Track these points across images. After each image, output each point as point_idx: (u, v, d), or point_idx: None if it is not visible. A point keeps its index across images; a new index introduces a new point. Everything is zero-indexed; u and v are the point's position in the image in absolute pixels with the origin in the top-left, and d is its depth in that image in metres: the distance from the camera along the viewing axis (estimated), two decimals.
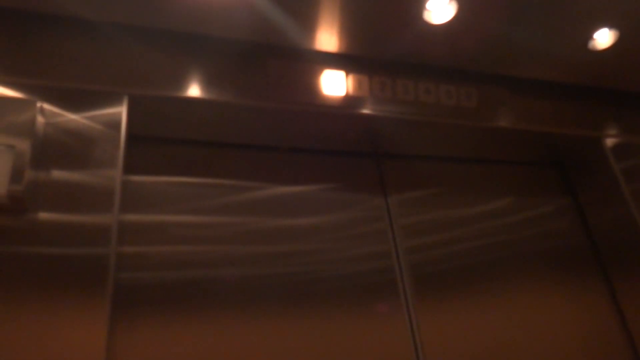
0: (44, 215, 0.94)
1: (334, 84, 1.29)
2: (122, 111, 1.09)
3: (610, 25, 1.36)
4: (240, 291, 1.19)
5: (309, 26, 1.24)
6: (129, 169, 1.22)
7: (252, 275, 1.22)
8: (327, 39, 1.29)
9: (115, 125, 1.08)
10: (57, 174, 0.99)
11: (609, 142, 1.60)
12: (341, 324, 1.23)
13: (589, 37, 1.40)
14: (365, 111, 1.30)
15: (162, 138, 1.29)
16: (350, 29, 1.26)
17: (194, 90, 1.18)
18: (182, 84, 1.17)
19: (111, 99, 1.10)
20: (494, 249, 1.51)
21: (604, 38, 1.40)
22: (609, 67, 1.52)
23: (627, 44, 1.42)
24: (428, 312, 1.33)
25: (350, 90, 1.30)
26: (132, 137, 1.21)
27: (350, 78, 1.31)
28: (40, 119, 1.00)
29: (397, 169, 1.52)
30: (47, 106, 1.04)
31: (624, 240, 1.54)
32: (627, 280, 1.54)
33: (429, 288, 1.36)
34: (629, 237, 1.52)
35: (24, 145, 0.93)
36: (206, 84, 1.19)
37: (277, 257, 1.26)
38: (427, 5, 1.21)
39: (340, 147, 1.47)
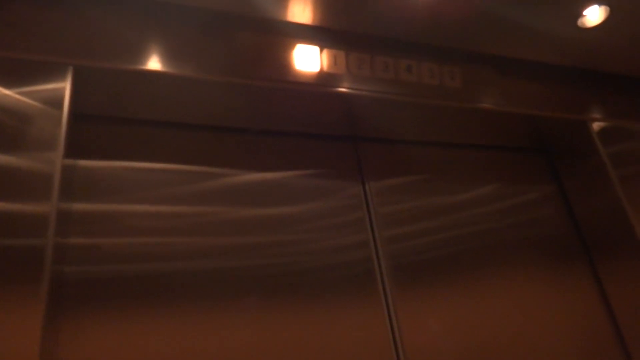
0: None
1: (307, 59, 1.17)
2: (65, 85, 0.96)
3: (601, 2, 1.28)
4: (204, 286, 1.08)
5: None
6: (77, 152, 1.09)
7: (217, 269, 1.11)
8: (300, 10, 1.18)
9: (57, 101, 0.94)
10: None
11: (596, 126, 1.53)
12: (316, 317, 1.14)
13: (579, 13, 1.31)
14: (341, 89, 1.20)
15: (116, 118, 1.16)
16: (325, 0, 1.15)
17: (151, 63, 1.05)
18: (138, 55, 1.04)
19: (53, 71, 0.96)
20: (477, 238, 1.43)
21: (594, 15, 1.32)
22: (598, 47, 1.45)
23: (617, 22, 1.34)
24: (408, 304, 1.24)
25: (325, 66, 1.19)
26: (80, 116, 1.08)
27: (325, 53, 1.20)
28: None
29: (376, 154, 1.42)
30: None
31: (611, 228, 1.48)
32: (613, 269, 1.48)
33: (410, 279, 1.27)
34: (616, 225, 1.46)
35: None
36: (165, 56, 1.07)
37: (245, 249, 1.16)
38: None
39: (315, 130, 1.36)
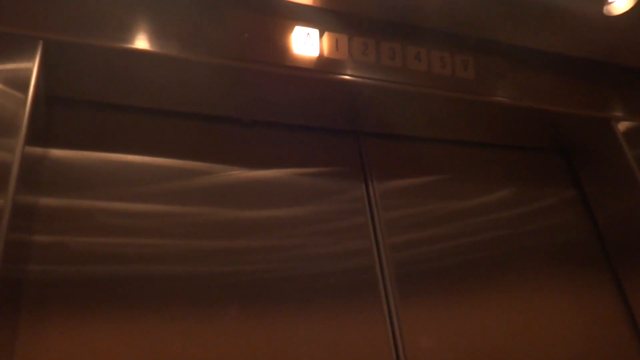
0: None
1: (306, 42, 1.06)
2: (32, 63, 0.85)
3: None
4: (185, 292, 0.97)
5: None
6: (47, 140, 0.98)
7: (200, 274, 1.00)
8: None
9: (23, 81, 0.84)
10: None
11: (621, 125, 1.41)
12: (312, 328, 1.03)
13: (605, 0, 1.20)
14: (343, 76, 1.08)
15: (94, 102, 1.05)
16: None
17: (134, 41, 0.94)
18: (119, 31, 0.94)
19: (20, 46, 0.86)
20: (491, 245, 1.30)
21: (621, 1, 1.21)
22: (626, 38, 1.32)
23: None
24: (413, 316, 1.12)
25: (326, 51, 1.08)
26: (52, 99, 0.98)
27: (326, 37, 1.09)
28: None
29: (381, 151, 1.30)
30: None
31: (636, 235, 1.35)
32: (638, 278, 1.35)
33: (416, 289, 1.15)
34: None
35: None
36: (149, 34, 0.96)
37: (231, 254, 1.04)
38: None
39: (313, 122, 1.24)
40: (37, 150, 0.94)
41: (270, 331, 1.00)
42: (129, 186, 1.02)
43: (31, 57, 0.86)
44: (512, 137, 1.47)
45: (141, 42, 0.95)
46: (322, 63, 1.08)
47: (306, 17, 1.08)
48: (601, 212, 1.46)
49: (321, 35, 1.09)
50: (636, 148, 1.38)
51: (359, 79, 1.10)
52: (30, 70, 0.85)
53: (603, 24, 1.27)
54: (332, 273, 1.11)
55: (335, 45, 1.09)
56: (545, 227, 1.40)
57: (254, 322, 0.99)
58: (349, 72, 1.10)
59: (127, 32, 0.94)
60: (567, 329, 1.26)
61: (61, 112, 1.01)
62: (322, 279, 1.09)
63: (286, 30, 1.06)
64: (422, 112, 1.26)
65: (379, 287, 1.13)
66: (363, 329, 1.07)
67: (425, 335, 1.10)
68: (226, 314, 0.98)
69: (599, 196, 1.47)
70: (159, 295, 0.95)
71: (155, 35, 0.97)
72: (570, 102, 1.38)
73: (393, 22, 1.17)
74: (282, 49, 1.05)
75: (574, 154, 1.55)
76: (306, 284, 1.07)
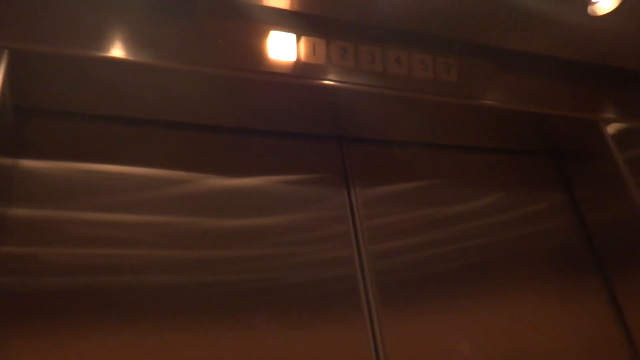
0: None
1: (282, 47, 1.05)
2: None
3: None
4: (163, 303, 0.95)
5: None
6: (18, 150, 0.96)
7: (180, 284, 0.98)
8: None
9: None
10: None
11: (611, 127, 1.38)
12: (292, 339, 1.00)
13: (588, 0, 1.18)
14: (320, 81, 1.06)
15: (67, 112, 1.03)
16: None
17: (105, 49, 0.92)
18: (90, 39, 0.92)
19: None
20: (477, 252, 1.27)
21: (605, 1, 1.18)
22: (612, 38, 1.30)
23: (633, 8, 1.20)
24: (395, 326, 1.09)
25: (303, 56, 1.06)
26: (22, 109, 0.96)
27: (303, 41, 1.07)
28: None
29: (363, 157, 1.28)
30: None
31: (627, 239, 1.32)
32: (629, 283, 1.32)
33: (398, 299, 1.12)
34: (632, 236, 1.30)
35: None
36: (121, 41, 0.94)
37: (211, 264, 1.02)
38: None
39: (294, 128, 1.22)
40: (7, 160, 0.92)
41: (251, 341, 0.97)
42: (103, 196, 1.00)
43: None
44: (499, 140, 1.45)
45: (113, 50, 0.93)
46: (299, 68, 1.06)
47: (282, 21, 1.07)
48: (592, 215, 1.43)
49: (298, 39, 1.07)
50: (626, 150, 1.35)
51: (338, 84, 1.09)
52: None
53: (588, 25, 1.24)
54: (314, 282, 1.08)
55: (313, 50, 1.07)
56: (533, 232, 1.38)
57: (234, 332, 0.97)
58: (327, 76, 1.08)
59: (99, 40, 0.93)
60: (557, 335, 1.23)
61: (32, 122, 1.00)
62: (303, 288, 1.07)
63: (261, 35, 1.05)
64: (405, 116, 1.24)
65: (361, 296, 1.10)
66: (345, 338, 1.04)
67: (408, 344, 1.07)
68: (211, 324, 0.96)
69: (589, 199, 1.44)
70: (135, 306, 0.93)
71: (128, 42, 0.95)
72: (558, 104, 1.36)
73: (372, 26, 1.15)
74: (257, 55, 1.03)
75: (564, 157, 1.52)
76: (287, 293, 1.05)
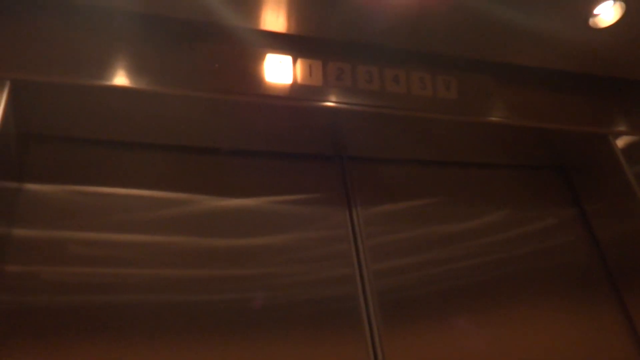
0: None
1: (278, 70, 1.06)
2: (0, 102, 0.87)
3: None
4: (162, 321, 0.96)
5: (248, 0, 1.01)
6: (22, 175, 0.99)
7: (179, 303, 0.99)
8: (273, 18, 1.06)
9: None
10: None
11: (620, 141, 1.35)
12: (293, 359, 0.99)
13: (590, 12, 1.16)
14: (318, 103, 1.07)
15: (68, 138, 1.05)
16: (299, 4, 1.03)
17: (106, 77, 0.95)
18: (87, 68, 0.94)
19: None
20: (484, 271, 1.25)
21: (607, 13, 1.17)
22: (615, 50, 1.28)
23: (635, 20, 1.17)
24: (397, 344, 1.07)
25: (299, 78, 1.07)
26: (24, 135, 0.99)
27: (299, 63, 1.08)
28: None
29: (364, 175, 1.28)
30: None
31: (639, 253, 1.28)
32: None
33: (400, 317, 1.11)
34: None
35: None
36: (121, 69, 0.96)
37: (211, 283, 1.03)
38: None
39: (294, 149, 1.23)
40: (10, 184, 0.95)
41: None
42: (102, 217, 1.02)
43: None
44: (505, 156, 1.43)
45: (113, 78, 0.95)
46: (296, 90, 1.07)
47: (278, 44, 1.08)
48: (602, 230, 1.40)
49: (294, 62, 1.08)
50: (636, 164, 1.32)
51: (335, 104, 1.09)
52: None
53: (591, 37, 1.23)
54: (315, 301, 1.08)
55: (309, 72, 1.08)
56: (542, 248, 1.35)
57: (234, 352, 0.97)
58: (325, 98, 1.08)
59: (99, 69, 0.95)
60: (568, 352, 1.20)
61: (36, 148, 1.02)
62: (304, 307, 1.06)
63: (258, 58, 1.06)
64: (406, 134, 1.24)
65: (362, 315, 1.09)
66: (346, 357, 1.04)
67: None
68: (210, 342, 0.97)
69: (599, 214, 1.41)
70: (134, 325, 0.94)
71: (126, 70, 0.97)
72: (565, 117, 1.33)
73: (369, 45, 1.15)
74: (254, 78, 1.04)
75: (572, 171, 1.49)
76: (288, 312, 1.05)
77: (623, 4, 1.14)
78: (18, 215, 0.96)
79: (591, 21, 1.18)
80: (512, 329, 1.19)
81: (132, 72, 0.97)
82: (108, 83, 0.95)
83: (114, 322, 0.93)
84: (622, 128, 1.38)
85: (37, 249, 0.95)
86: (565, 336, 1.22)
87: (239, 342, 0.98)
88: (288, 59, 1.08)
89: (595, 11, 1.15)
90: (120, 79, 0.96)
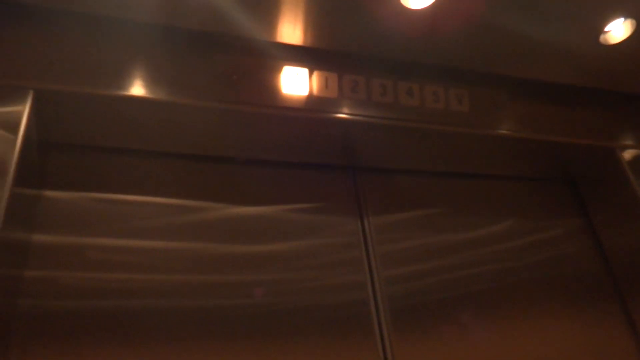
0: None
1: (295, 82, 1.07)
2: (23, 110, 0.88)
3: (626, 15, 1.15)
4: (179, 326, 0.98)
5: (266, 13, 1.03)
6: (42, 182, 1.01)
7: (194, 308, 1.00)
8: (290, 31, 1.08)
9: (13, 126, 0.86)
10: None
11: (627, 154, 1.37)
12: None
13: (601, 29, 1.18)
14: (333, 115, 1.09)
15: (88, 146, 1.07)
16: (315, 17, 1.05)
17: (125, 87, 0.96)
18: (107, 78, 0.96)
19: (11, 94, 0.89)
20: (492, 279, 1.27)
21: (618, 30, 1.19)
22: (625, 65, 1.30)
23: None
24: (408, 351, 1.09)
25: (315, 90, 1.09)
26: (45, 144, 1.01)
27: (315, 76, 1.10)
28: None
29: (376, 185, 1.29)
30: None
31: None
32: None
33: (411, 324, 1.13)
34: None
35: None
36: (138, 80, 0.98)
37: (225, 288, 1.05)
38: None
39: (308, 159, 1.25)
40: (31, 191, 0.96)
41: None
42: (120, 223, 1.03)
43: (22, 105, 0.89)
44: (514, 168, 1.45)
45: (133, 89, 0.97)
46: (312, 102, 1.09)
47: (294, 56, 1.10)
48: (608, 241, 1.41)
49: (310, 74, 1.10)
50: None
51: (350, 117, 1.11)
52: (20, 114, 0.88)
53: (600, 53, 1.25)
54: (326, 306, 1.09)
55: (325, 84, 1.10)
56: (549, 258, 1.37)
57: (248, 357, 0.99)
58: (339, 110, 1.10)
59: (119, 80, 0.97)
60: None
61: (56, 156, 1.04)
62: (315, 313, 1.08)
63: (275, 70, 1.08)
64: (418, 146, 1.25)
65: (373, 321, 1.11)
66: None
67: None
68: (225, 348, 0.98)
69: (606, 226, 1.43)
70: (150, 330, 0.95)
71: (146, 81, 0.99)
72: (573, 131, 1.35)
73: (384, 59, 1.17)
74: (271, 90, 1.06)
75: (580, 184, 1.51)
76: (299, 317, 1.06)
77: (634, 22, 1.16)
78: (38, 221, 0.98)
79: (602, 37, 1.20)
80: (520, 336, 1.21)
81: (151, 82, 0.99)
82: (128, 93, 0.96)
83: (131, 327, 0.95)
84: (629, 142, 1.40)
85: (56, 255, 0.96)
86: (572, 344, 1.24)
87: (252, 347, 1.00)
88: (304, 71, 1.09)
89: (607, 28, 1.17)
90: (140, 90, 0.98)
